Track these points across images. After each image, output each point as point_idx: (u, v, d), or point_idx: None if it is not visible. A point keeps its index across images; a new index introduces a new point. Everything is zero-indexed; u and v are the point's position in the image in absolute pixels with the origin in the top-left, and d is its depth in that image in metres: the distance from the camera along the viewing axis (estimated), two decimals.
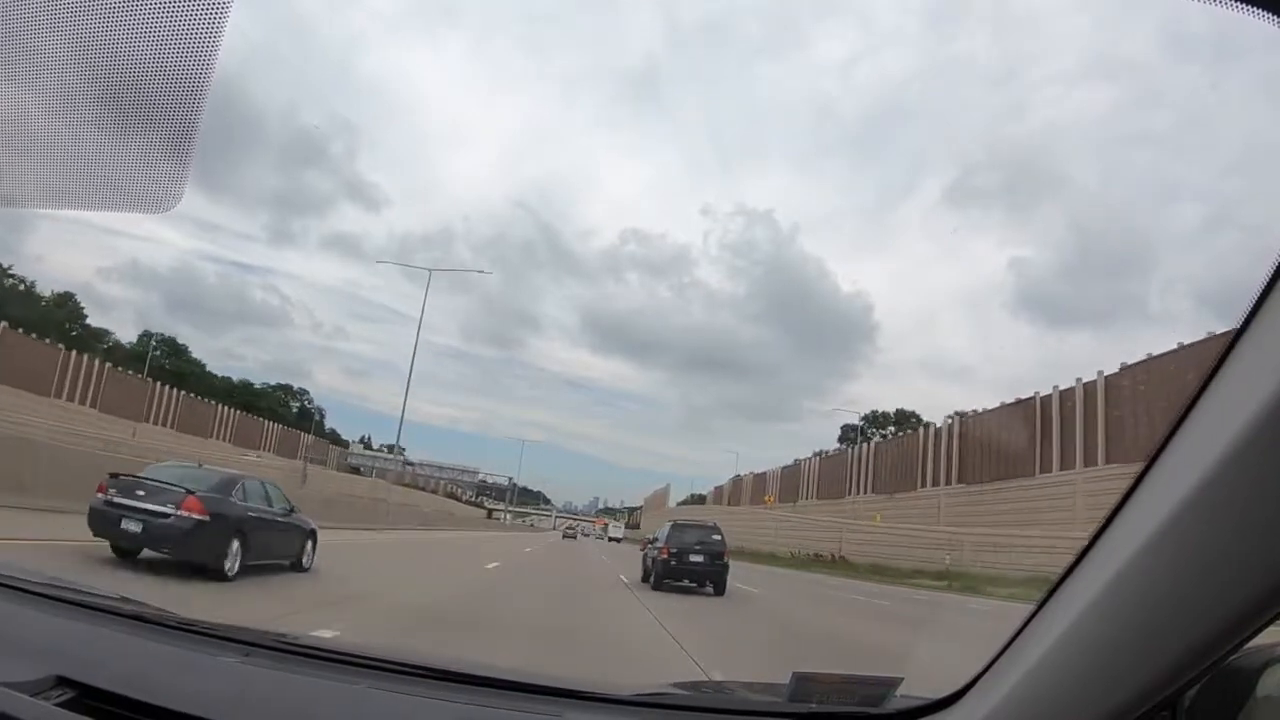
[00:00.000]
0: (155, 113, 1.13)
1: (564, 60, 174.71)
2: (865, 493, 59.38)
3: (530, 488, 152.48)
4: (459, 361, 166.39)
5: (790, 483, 72.20)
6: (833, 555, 48.97)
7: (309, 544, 10.91)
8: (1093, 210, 74.67)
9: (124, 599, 1.51)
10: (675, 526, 16.85)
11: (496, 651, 6.16)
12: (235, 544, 8.77)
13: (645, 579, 16.63)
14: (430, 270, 44.00)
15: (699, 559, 15.51)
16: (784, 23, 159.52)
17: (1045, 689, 0.85)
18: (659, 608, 11.69)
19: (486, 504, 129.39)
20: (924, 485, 51.50)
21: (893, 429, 70.57)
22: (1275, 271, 0.69)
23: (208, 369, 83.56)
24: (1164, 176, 79.99)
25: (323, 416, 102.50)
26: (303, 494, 20.72)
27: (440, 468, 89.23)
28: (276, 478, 16.06)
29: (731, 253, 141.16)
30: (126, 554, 8.65)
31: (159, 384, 65.00)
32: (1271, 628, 0.72)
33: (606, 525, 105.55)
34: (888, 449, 61.15)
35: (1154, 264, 79.22)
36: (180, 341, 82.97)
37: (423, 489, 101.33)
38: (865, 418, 74.17)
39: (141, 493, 8.35)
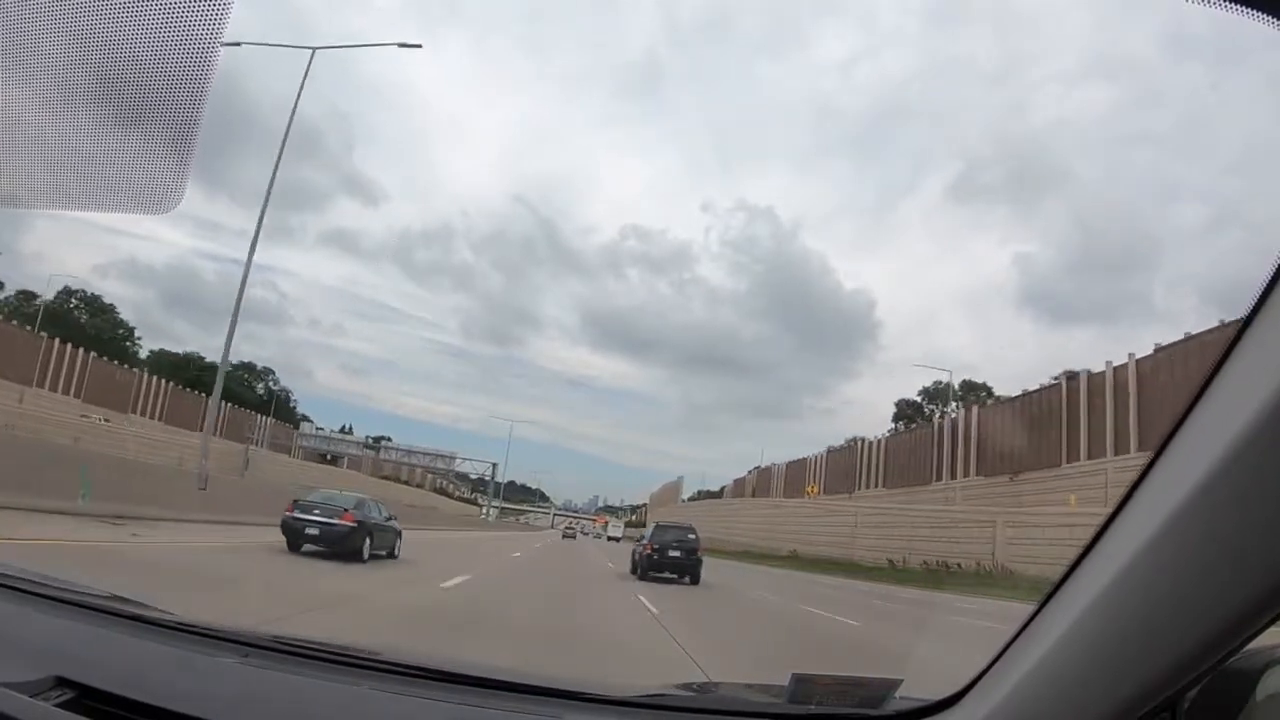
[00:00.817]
0: (156, 113, 1.13)
1: (564, 57, 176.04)
2: (968, 475, 45.43)
3: (529, 485, 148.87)
4: (459, 360, 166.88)
5: (841, 469, 60.78)
6: (986, 565, 30.19)
7: (398, 540, 15.67)
8: (1097, 207, 74.09)
9: (123, 599, 1.51)
10: (658, 527, 20.33)
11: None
12: (368, 540, 13.64)
13: (633, 571, 19.20)
14: (313, 49, 29.93)
15: (676, 553, 18.24)
16: (785, 21, 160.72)
17: (1045, 690, 0.85)
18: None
19: (481, 500, 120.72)
20: (1072, 459, 37.04)
21: (956, 405, 56.95)
22: (1276, 272, 0.69)
23: (137, 334, 73.98)
24: (1168, 174, 79.94)
25: (291, 400, 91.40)
26: (243, 486, 20.14)
27: (409, 451, 78.89)
28: (209, 464, 19.09)
29: (733, 249, 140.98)
30: (297, 548, 13.28)
31: (58, 342, 52.49)
32: (1272, 629, 0.72)
33: (607, 524, 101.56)
34: (999, 416, 44.93)
35: (1159, 261, 78.32)
36: (107, 301, 71.42)
37: (406, 482, 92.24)
38: (924, 392, 64.49)
39: (316, 511, 13.43)
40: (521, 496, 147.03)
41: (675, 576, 18.07)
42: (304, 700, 1.15)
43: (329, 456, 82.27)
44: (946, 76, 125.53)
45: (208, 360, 79.44)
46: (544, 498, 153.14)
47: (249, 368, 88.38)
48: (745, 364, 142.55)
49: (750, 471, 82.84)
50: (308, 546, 13.22)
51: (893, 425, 63.68)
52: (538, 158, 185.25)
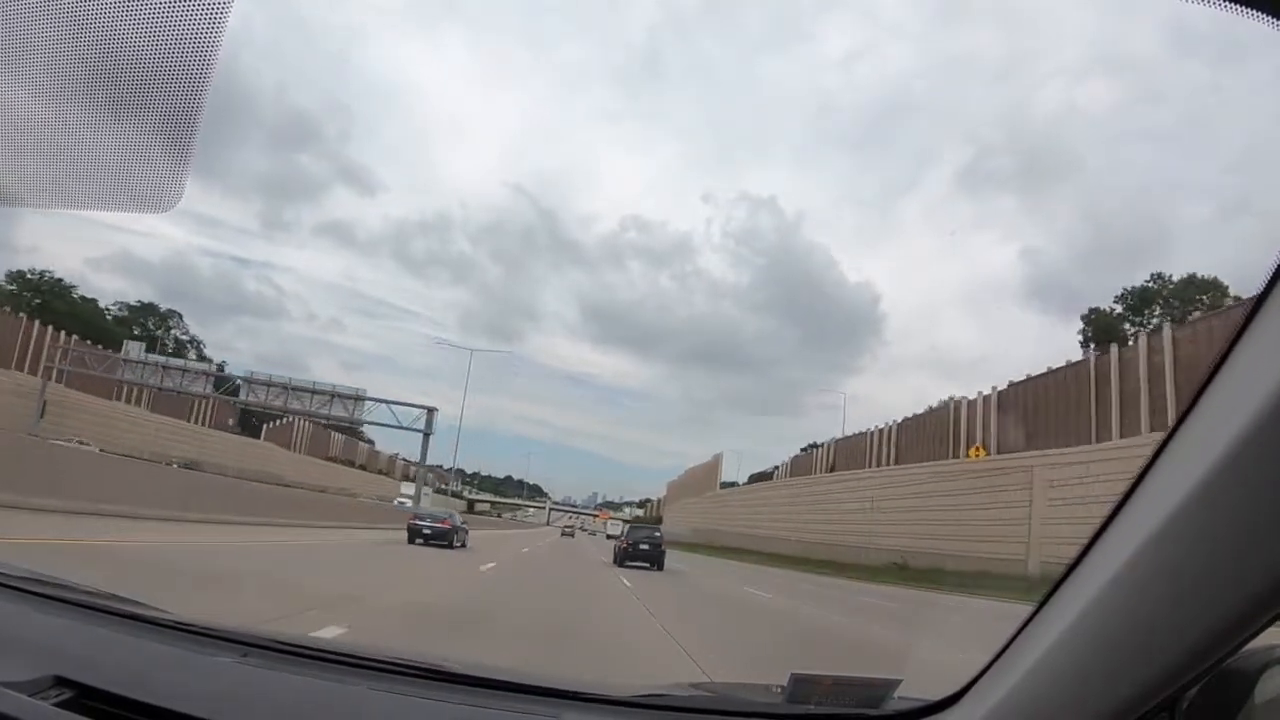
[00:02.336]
0: (156, 110, 1.12)
1: (564, 48, 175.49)
2: None
3: (525, 480, 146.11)
4: (458, 356, 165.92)
5: (1031, 416, 39.04)
6: None
7: (467, 535, 24.68)
8: (1105, 199, 72.31)
9: (121, 598, 1.51)
10: (632, 527, 28.15)
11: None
12: (455, 536, 22.64)
13: (615, 561, 24.87)
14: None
15: (645, 547, 24.43)
16: (787, 15, 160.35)
17: (1044, 690, 0.85)
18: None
19: (467, 494, 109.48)
20: None
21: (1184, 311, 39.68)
22: (1277, 270, 0.69)
23: None
24: (1176, 165, 78.93)
25: (204, 352, 71.28)
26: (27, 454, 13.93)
27: (285, 389, 50.17)
28: None
29: (735, 241, 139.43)
30: (414, 541, 21.70)
31: None
32: (1271, 629, 0.72)
33: (609, 520, 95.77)
34: None
35: (1169, 252, 76.75)
36: None
37: (363, 467, 76.20)
38: (1126, 297, 45.45)
39: (427, 519, 23.12)
40: (516, 491, 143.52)
41: (647, 566, 23.54)
42: (303, 700, 1.15)
43: (232, 423, 63.70)
44: (952, 69, 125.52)
45: (59, 277, 63.43)
46: (540, 493, 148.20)
47: (151, 310, 74.68)
48: (747, 359, 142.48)
49: (811, 448, 63.63)
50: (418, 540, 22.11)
51: (1088, 350, 41.03)
52: (537, 148, 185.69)
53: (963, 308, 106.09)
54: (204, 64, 1.08)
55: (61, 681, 0.99)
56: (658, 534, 25.84)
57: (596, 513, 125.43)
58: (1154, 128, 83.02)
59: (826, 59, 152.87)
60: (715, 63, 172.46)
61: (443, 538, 22.14)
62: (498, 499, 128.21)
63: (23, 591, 1.41)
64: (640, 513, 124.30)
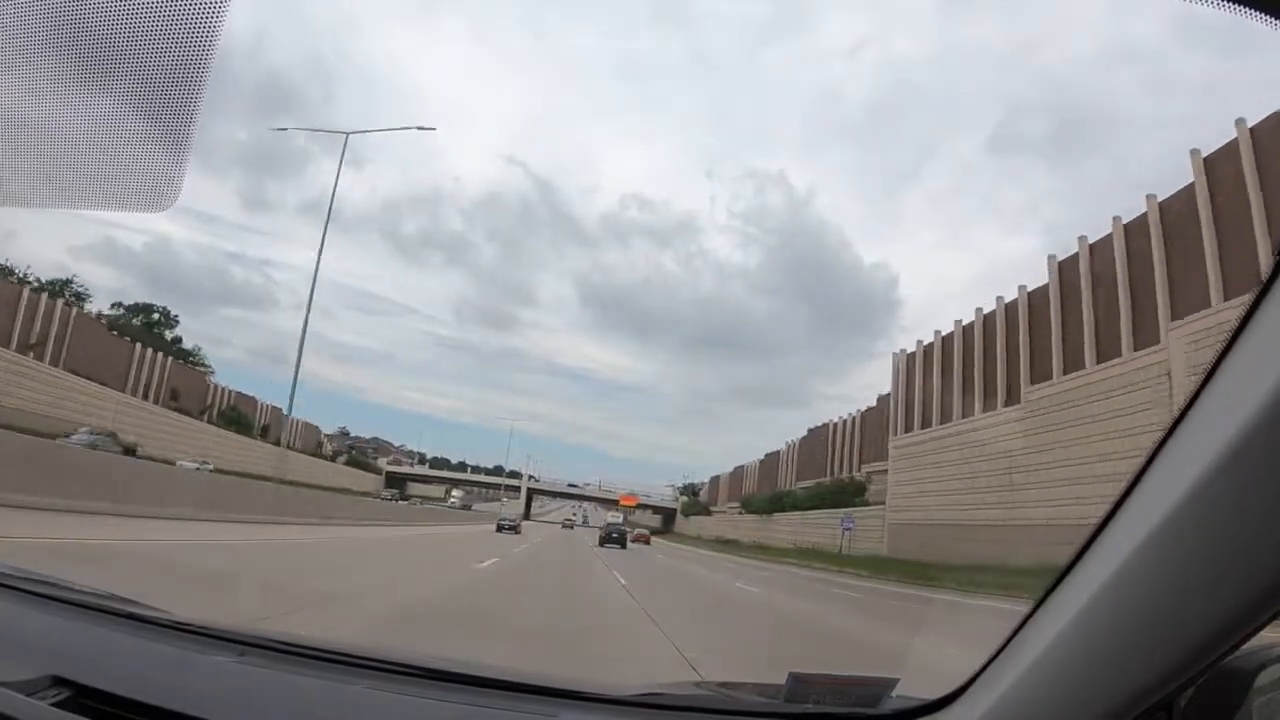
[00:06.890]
0: (153, 107, 1.11)
1: (566, 25, 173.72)
2: None
3: (517, 470, 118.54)
4: (455, 351, 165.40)
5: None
6: None
7: (523, 523, 52.16)
8: (1132, 173, 71.72)
9: (119, 598, 1.51)
10: (608, 525, 46.49)
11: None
12: (521, 526, 47.65)
13: (599, 543, 39.75)
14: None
15: (615, 535, 41.89)
16: (786, 6, 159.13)
17: (1042, 689, 0.85)
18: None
19: (387, 466, 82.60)
20: None
21: None
22: (1276, 266, 0.68)
23: None
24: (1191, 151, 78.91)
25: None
26: None
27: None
28: None
29: (742, 220, 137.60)
30: (498, 531, 41.12)
31: None
32: (1268, 629, 0.72)
33: (636, 504, 74.36)
34: None
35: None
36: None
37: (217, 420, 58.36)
38: None
39: (508, 518, 47.46)
40: (515, 479, 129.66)
41: (618, 546, 39.34)
42: (301, 700, 1.15)
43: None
44: (964, 47, 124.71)
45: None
46: (532, 477, 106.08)
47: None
48: (754, 345, 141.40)
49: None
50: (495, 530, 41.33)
51: None
52: (536, 122, 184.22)
53: (983, 290, 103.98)
54: (202, 58, 1.06)
55: (59, 681, 0.98)
56: (624, 528, 46.08)
57: (622, 498, 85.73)
58: (1161, 115, 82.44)
59: (835, 48, 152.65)
60: (723, 45, 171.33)
61: (513, 529, 40.98)
62: (454, 475, 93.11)
63: (19, 591, 1.41)
64: (684, 497, 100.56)
